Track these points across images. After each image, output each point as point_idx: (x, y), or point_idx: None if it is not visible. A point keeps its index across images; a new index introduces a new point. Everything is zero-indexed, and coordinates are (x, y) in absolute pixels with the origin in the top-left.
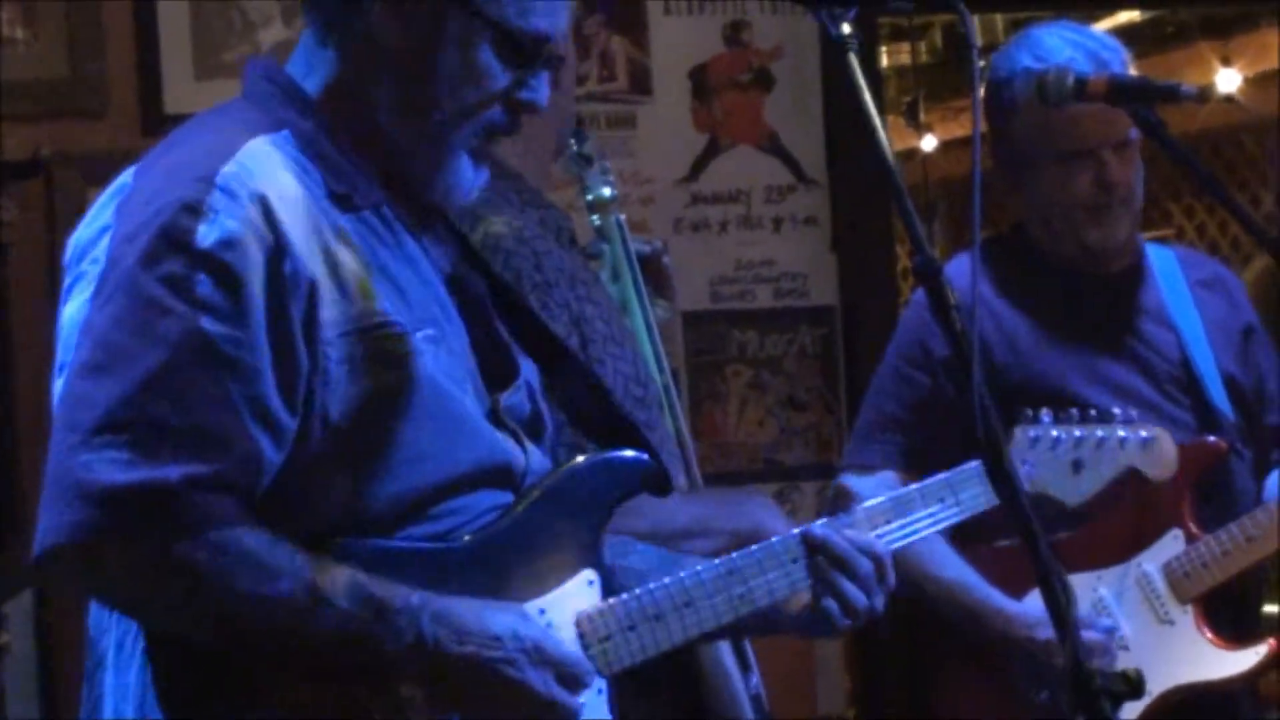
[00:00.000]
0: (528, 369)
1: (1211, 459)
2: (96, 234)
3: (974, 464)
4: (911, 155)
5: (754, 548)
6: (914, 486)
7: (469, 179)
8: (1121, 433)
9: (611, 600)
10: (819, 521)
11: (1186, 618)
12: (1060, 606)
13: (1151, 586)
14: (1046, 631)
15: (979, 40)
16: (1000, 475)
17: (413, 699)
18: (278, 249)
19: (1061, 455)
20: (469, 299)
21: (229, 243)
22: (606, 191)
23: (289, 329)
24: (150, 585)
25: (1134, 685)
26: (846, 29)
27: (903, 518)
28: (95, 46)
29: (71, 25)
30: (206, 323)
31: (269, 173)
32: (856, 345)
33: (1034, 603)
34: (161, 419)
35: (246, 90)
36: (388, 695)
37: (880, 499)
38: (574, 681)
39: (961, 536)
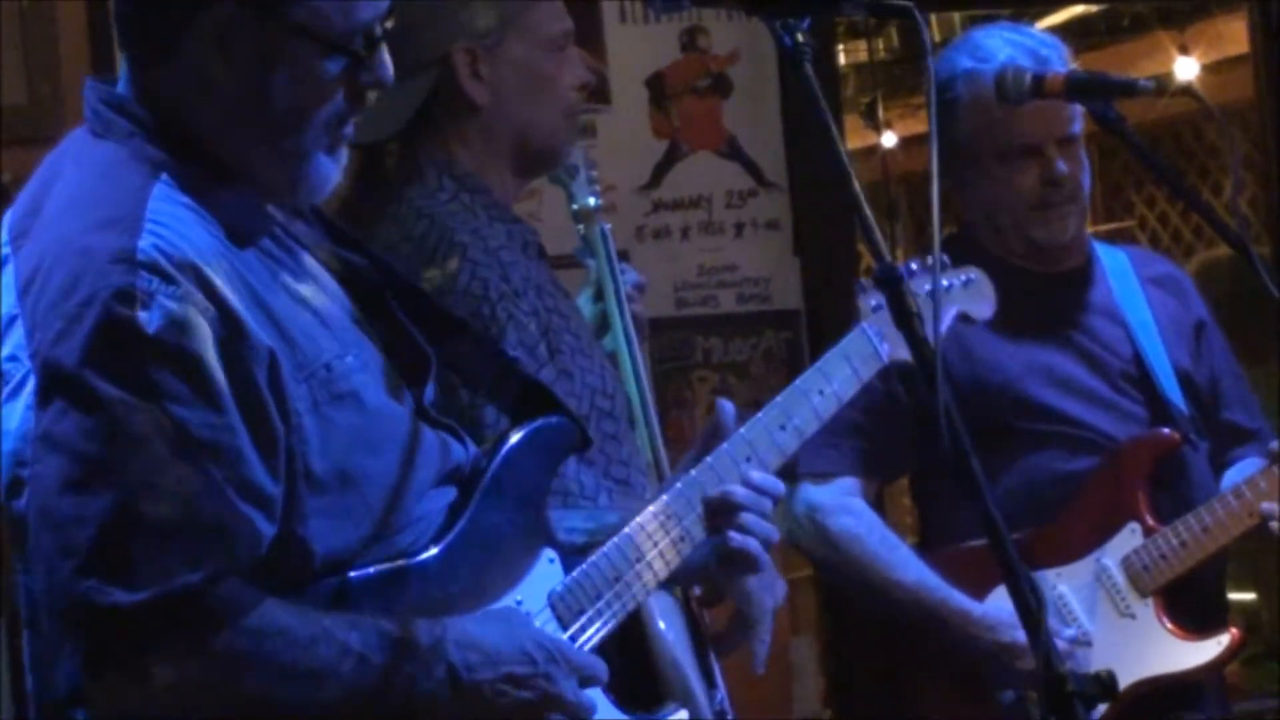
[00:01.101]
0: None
1: (1165, 450)
2: (3, 323)
3: (852, 334)
4: (872, 152)
5: (679, 485)
6: (803, 380)
7: (330, 171)
8: (945, 281)
9: (574, 574)
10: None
11: (1148, 610)
12: (1030, 610)
13: (1111, 581)
14: (1008, 633)
15: (937, 37)
16: (968, 480)
17: None
18: (223, 318)
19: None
20: (367, 296)
21: (176, 325)
22: (591, 201)
23: (260, 398)
24: (202, 689)
25: (1107, 687)
26: (800, 39)
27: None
28: (51, 72)
29: (27, 51)
30: (176, 411)
31: (184, 234)
32: (821, 348)
33: (996, 604)
34: (161, 522)
35: (99, 124)
36: None
37: (755, 423)
38: (592, 683)
39: (923, 539)
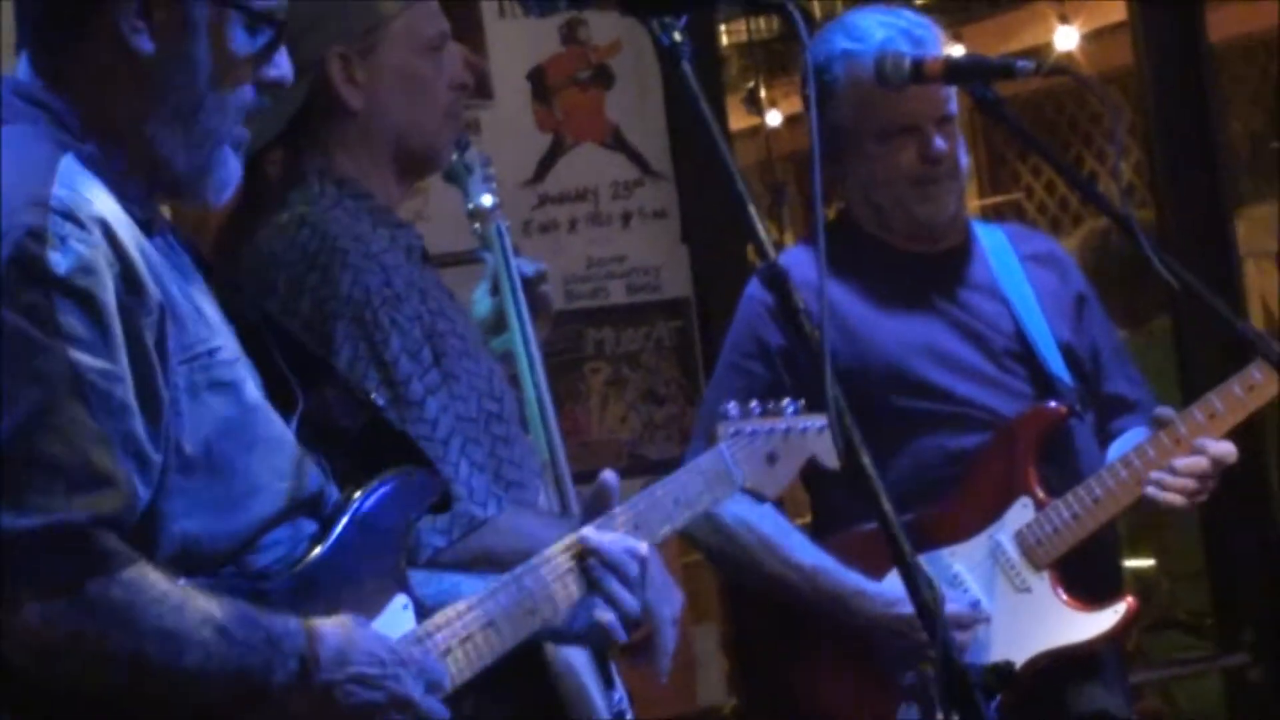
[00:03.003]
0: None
1: (1051, 423)
2: None
3: (710, 454)
4: (757, 132)
5: (535, 560)
6: (662, 486)
7: (235, 168)
8: (802, 424)
9: (426, 624)
10: (586, 529)
11: (1043, 584)
12: (927, 605)
13: (1005, 556)
14: (908, 607)
15: (818, 14)
16: (858, 470)
17: None
18: (125, 275)
19: (758, 449)
20: (244, 328)
21: (85, 269)
22: (487, 200)
23: (148, 358)
24: (68, 637)
25: (1004, 677)
26: (678, 37)
27: (658, 513)
28: None
29: None
30: (76, 354)
31: (95, 195)
32: (713, 335)
33: (893, 581)
34: (52, 458)
35: (9, 112)
36: None
37: (637, 500)
38: (438, 689)
39: (816, 523)
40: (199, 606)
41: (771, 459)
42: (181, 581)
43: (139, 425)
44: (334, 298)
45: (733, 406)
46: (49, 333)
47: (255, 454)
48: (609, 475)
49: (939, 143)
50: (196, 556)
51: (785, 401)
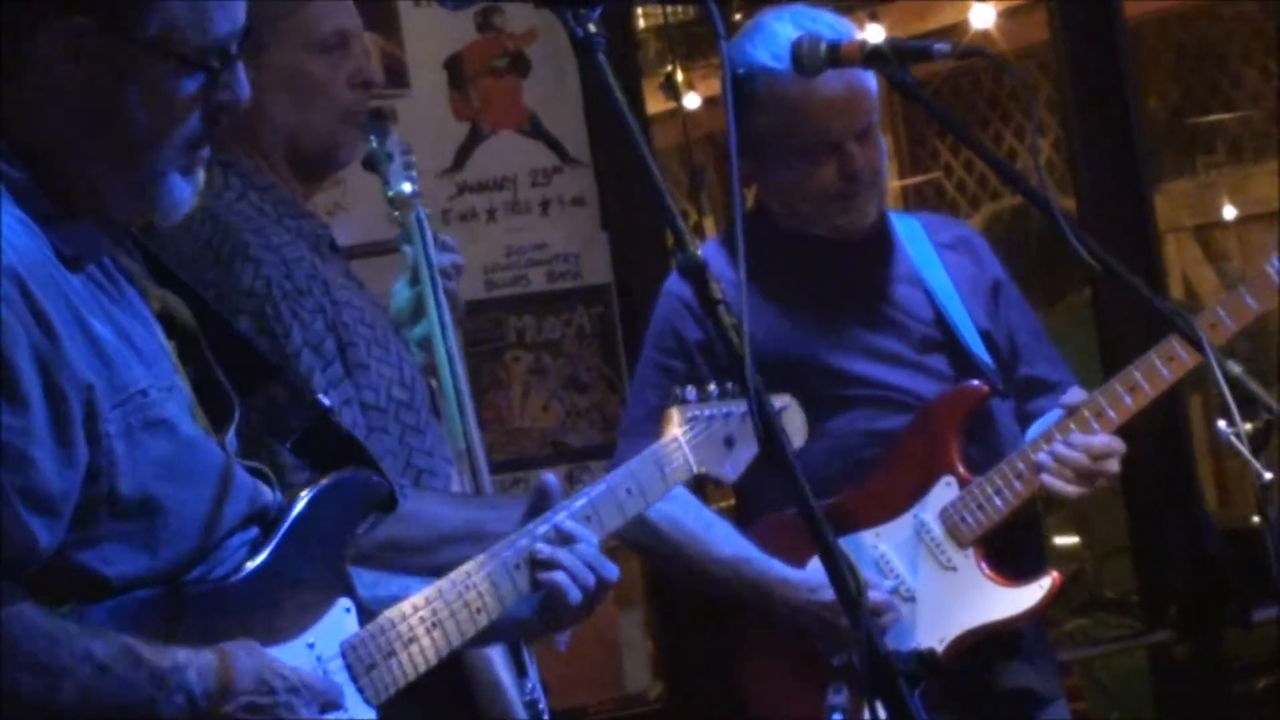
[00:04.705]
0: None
1: (975, 402)
2: None
3: (664, 441)
4: (674, 114)
5: (484, 558)
6: (617, 474)
7: (183, 193)
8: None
9: (370, 627)
10: (530, 526)
11: (968, 561)
12: (850, 595)
13: (930, 535)
14: (830, 593)
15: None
16: (778, 456)
17: None
18: (42, 330)
19: (716, 433)
20: (182, 336)
21: None
22: (407, 187)
23: (66, 412)
24: None
25: (930, 665)
26: (593, 29)
27: (612, 502)
28: None
29: None
30: None
31: (14, 245)
32: (634, 322)
33: (815, 566)
34: None
35: None
36: None
37: (579, 499)
38: (334, 706)
39: (740, 508)
40: (79, 645)
41: (729, 442)
42: (71, 622)
43: (47, 475)
44: (236, 292)
45: (690, 390)
46: None
47: (189, 489)
48: (549, 478)
49: (858, 161)
50: (139, 586)
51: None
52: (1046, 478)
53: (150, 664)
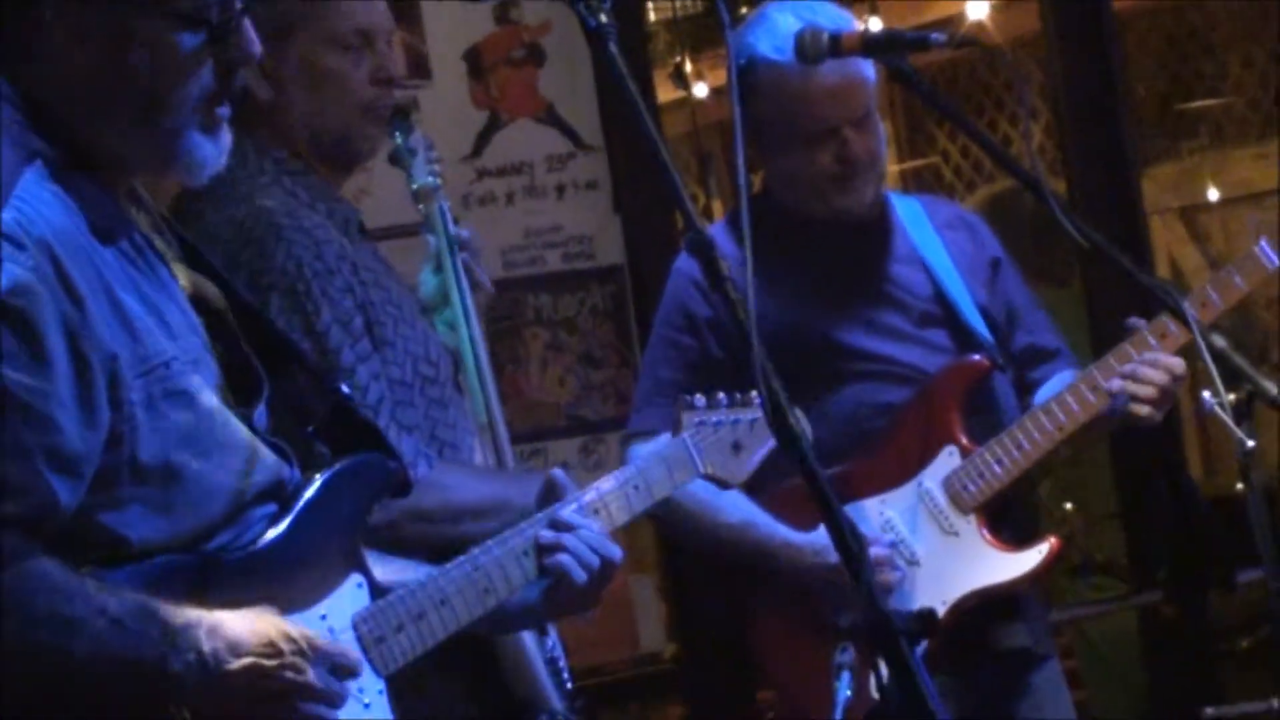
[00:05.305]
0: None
1: (976, 375)
2: None
3: (673, 442)
4: (684, 104)
5: (491, 543)
6: (625, 472)
7: (205, 152)
8: (744, 416)
9: (380, 602)
10: (540, 516)
11: (970, 527)
12: (852, 555)
13: (934, 502)
14: (835, 555)
15: None
16: (784, 432)
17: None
18: (70, 299)
19: (724, 438)
20: (212, 316)
21: (20, 290)
22: (430, 180)
23: (90, 378)
24: None
25: (929, 624)
26: (604, 19)
27: (620, 498)
28: None
29: None
30: (5, 370)
31: (46, 216)
32: (645, 300)
33: (822, 531)
34: None
35: None
36: None
37: (589, 492)
38: (346, 671)
39: (747, 486)
40: (95, 600)
41: (737, 447)
42: (89, 579)
43: (70, 437)
44: (268, 271)
45: (699, 398)
46: None
47: (210, 459)
48: (558, 472)
49: (856, 147)
50: (159, 553)
51: (754, 393)
52: (1130, 405)
53: (163, 621)
